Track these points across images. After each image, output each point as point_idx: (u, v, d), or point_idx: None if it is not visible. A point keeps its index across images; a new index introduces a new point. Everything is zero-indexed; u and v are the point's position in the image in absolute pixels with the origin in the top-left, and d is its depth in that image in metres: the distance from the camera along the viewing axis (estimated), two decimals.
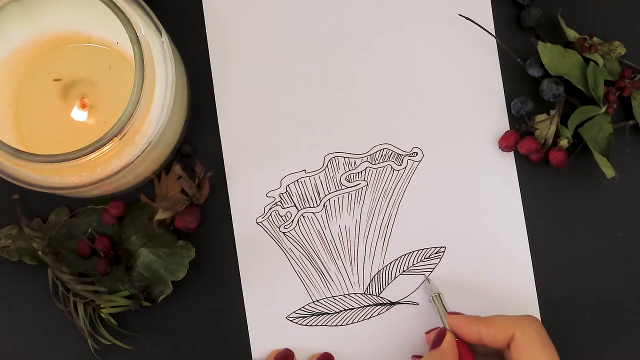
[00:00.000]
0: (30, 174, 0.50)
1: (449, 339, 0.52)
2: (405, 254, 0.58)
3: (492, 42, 0.59)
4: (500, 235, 0.58)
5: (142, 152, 0.50)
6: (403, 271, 0.58)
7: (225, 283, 0.58)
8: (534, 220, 0.59)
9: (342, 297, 0.58)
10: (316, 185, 0.58)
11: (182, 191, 0.57)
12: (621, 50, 0.58)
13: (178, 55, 0.55)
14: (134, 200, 0.58)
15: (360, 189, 0.58)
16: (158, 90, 0.50)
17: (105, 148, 0.48)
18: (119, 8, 0.49)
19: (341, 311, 0.58)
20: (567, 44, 0.58)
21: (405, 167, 0.59)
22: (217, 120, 0.58)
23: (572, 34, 0.58)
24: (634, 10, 0.60)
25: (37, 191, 0.51)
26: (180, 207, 0.56)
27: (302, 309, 0.58)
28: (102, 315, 0.56)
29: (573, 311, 0.58)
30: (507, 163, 0.59)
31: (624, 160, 0.59)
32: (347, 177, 0.58)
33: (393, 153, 0.58)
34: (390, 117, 0.59)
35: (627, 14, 0.60)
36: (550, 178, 0.59)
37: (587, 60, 0.57)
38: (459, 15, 0.58)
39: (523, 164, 0.59)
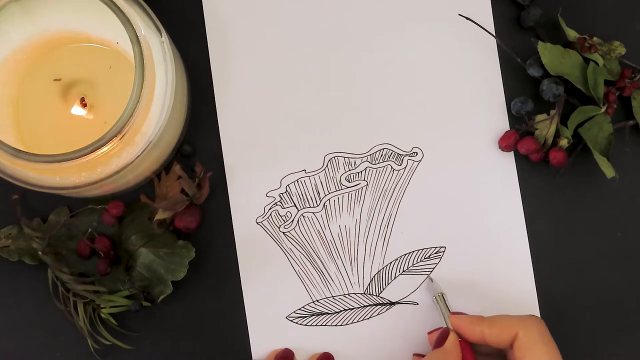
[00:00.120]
0: (30, 174, 0.50)
1: (452, 338, 0.52)
2: (405, 254, 0.58)
3: (492, 42, 0.59)
4: (500, 235, 0.58)
5: (142, 152, 0.50)
6: (403, 271, 0.58)
7: (225, 283, 0.58)
8: (534, 220, 0.59)
9: (342, 297, 0.58)
10: (316, 185, 0.58)
11: (182, 191, 0.57)
12: (621, 50, 0.58)
13: (178, 55, 0.55)
14: (134, 200, 0.58)
15: (360, 189, 0.58)
16: (158, 90, 0.50)
17: (105, 148, 0.48)
18: (119, 8, 0.49)
19: (341, 311, 0.58)
20: (567, 44, 0.58)
21: (405, 167, 0.59)
22: (217, 120, 0.58)
23: (572, 34, 0.58)
24: (634, 10, 0.60)
25: (37, 191, 0.51)
26: (180, 207, 0.56)
27: (302, 309, 0.58)
28: (102, 315, 0.56)
29: (573, 311, 0.58)
30: (507, 163, 0.59)
31: (624, 160, 0.59)
32: (347, 177, 0.58)
33: (393, 153, 0.58)
34: (390, 117, 0.59)
35: (627, 14, 0.60)
36: (550, 178, 0.59)
37: (587, 60, 0.57)
38: (459, 15, 0.58)
39: (523, 164, 0.59)
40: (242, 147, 0.58)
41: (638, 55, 0.59)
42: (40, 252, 0.56)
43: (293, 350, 0.57)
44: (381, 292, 0.58)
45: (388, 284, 0.58)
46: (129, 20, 0.49)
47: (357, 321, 0.58)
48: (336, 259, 0.58)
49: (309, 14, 0.59)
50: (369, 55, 0.59)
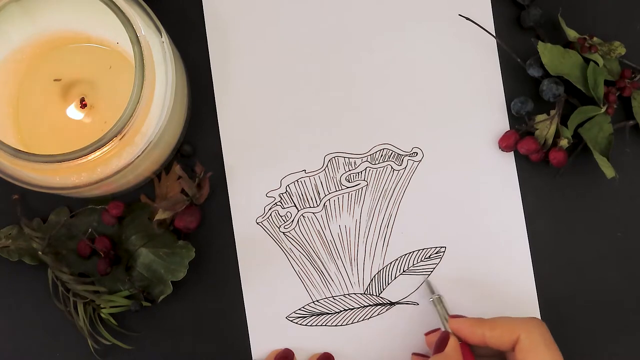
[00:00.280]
0: (30, 174, 0.50)
1: (452, 343, 0.52)
2: (405, 254, 0.58)
3: (492, 42, 0.59)
4: (500, 235, 0.58)
5: (142, 152, 0.50)
6: (403, 271, 0.58)
7: (225, 283, 0.58)
8: (534, 220, 0.59)
9: (342, 297, 0.58)
10: (316, 185, 0.58)
11: (182, 191, 0.57)
12: (621, 50, 0.58)
13: (178, 55, 0.55)
14: (134, 200, 0.58)
15: (360, 189, 0.58)
16: (158, 90, 0.50)
17: (105, 148, 0.48)
18: (119, 8, 0.49)
19: (341, 311, 0.58)
20: (567, 44, 0.58)
21: (405, 167, 0.59)
22: (217, 120, 0.58)
23: (572, 34, 0.58)
24: (634, 10, 0.60)
25: (37, 191, 0.51)
26: (180, 207, 0.56)
27: (302, 309, 0.58)
28: (102, 315, 0.56)
29: (573, 311, 0.58)
30: (507, 163, 0.59)
31: (624, 160, 0.59)
32: (347, 177, 0.58)
33: (393, 153, 0.58)
34: (390, 117, 0.59)
35: (627, 14, 0.60)
36: (550, 178, 0.59)
37: (587, 60, 0.57)
38: (459, 15, 0.58)
39: (523, 164, 0.59)
40: (242, 147, 0.58)
41: (638, 55, 0.59)
42: (40, 252, 0.56)
43: (293, 350, 0.57)
44: (381, 292, 0.58)
45: (388, 284, 0.58)
46: (129, 20, 0.49)
47: (357, 321, 0.58)
48: (336, 259, 0.58)
49: (309, 14, 0.59)
50: (369, 55, 0.59)
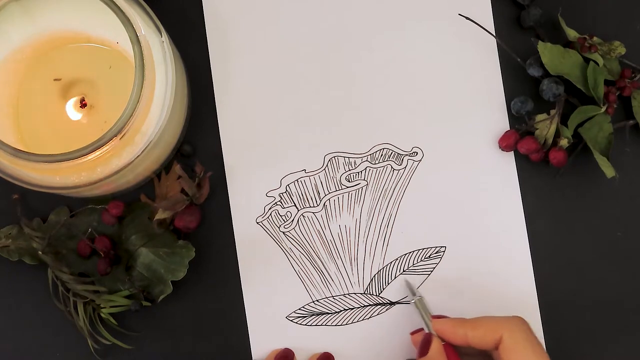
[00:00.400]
0: (30, 174, 0.50)
1: (436, 344, 0.52)
2: (405, 254, 0.58)
3: (492, 42, 0.59)
4: (500, 235, 0.58)
5: (142, 152, 0.50)
6: (403, 271, 0.58)
7: (225, 283, 0.58)
8: (534, 220, 0.59)
9: (342, 297, 0.58)
10: (316, 185, 0.58)
11: (182, 191, 0.57)
12: (621, 50, 0.58)
13: (178, 55, 0.55)
14: (134, 200, 0.58)
15: (360, 189, 0.58)
16: (158, 90, 0.50)
17: (105, 148, 0.48)
18: (119, 8, 0.49)
19: (341, 311, 0.58)
20: (567, 44, 0.58)
21: (405, 167, 0.59)
22: (217, 120, 0.58)
23: (572, 34, 0.58)
24: (634, 10, 0.60)
25: (37, 191, 0.51)
26: (180, 207, 0.56)
27: (302, 308, 0.58)
28: (102, 315, 0.56)
29: (573, 311, 0.58)
30: (507, 163, 0.59)
31: (624, 160, 0.59)
32: (347, 177, 0.58)
33: (393, 153, 0.58)
34: (390, 117, 0.59)
35: (627, 14, 0.60)
36: (550, 178, 0.59)
37: (587, 60, 0.57)
38: (459, 15, 0.58)
39: (523, 164, 0.59)
40: (242, 147, 0.58)
41: (638, 55, 0.59)
42: (40, 252, 0.56)
43: (293, 350, 0.57)
44: (381, 292, 0.58)
45: (388, 284, 0.58)
46: (129, 20, 0.49)
47: (357, 321, 0.58)
48: (336, 259, 0.58)
49: (309, 13, 0.59)
50: (369, 55, 0.59)
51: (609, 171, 0.56)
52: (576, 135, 0.58)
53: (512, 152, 0.59)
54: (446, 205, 0.58)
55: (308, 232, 0.58)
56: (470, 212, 0.58)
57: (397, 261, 0.58)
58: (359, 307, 0.58)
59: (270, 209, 0.58)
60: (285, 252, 0.58)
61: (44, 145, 0.54)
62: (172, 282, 0.56)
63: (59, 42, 0.55)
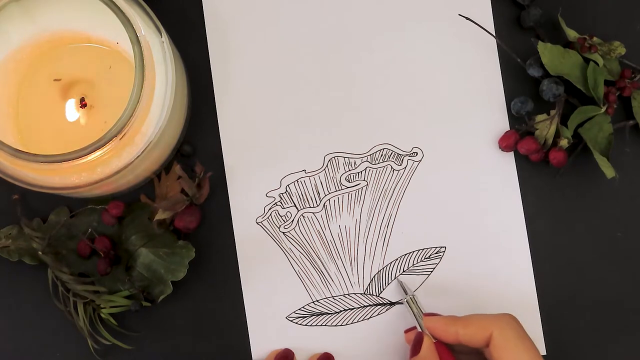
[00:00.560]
0: (30, 174, 0.50)
1: (427, 343, 0.52)
2: (405, 254, 0.58)
3: (492, 42, 0.59)
4: (500, 235, 0.58)
5: (142, 152, 0.50)
6: (403, 271, 0.58)
7: (225, 283, 0.58)
8: (534, 220, 0.59)
9: (342, 297, 0.58)
10: (316, 185, 0.58)
11: (182, 191, 0.57)
12: (621, 50, 0.58)
13: (178, 55, 0.55)
14: (134, 200, 0.58)
15: (360, 189, 0.58)
16: (158, 90, 0.50)
17: (105, 148, 0.48)
18: (119, 8, 0.49)
19: (341, 311, 0.58)
20: (567, 44, 0.58)
21: (405, 167, 0.59)
22: (217, 120, 0.58)
23: (572, 34, 0.58)
24: (634, 10, 0.60)
25: (37, 191, 0.50)
26: (180, 207, 0.56)
27: (302, 309, 0.58)
28: (102, 315, 0.56)
29: (573, 311, 0.58)
30: (507, 163, 0.59)
31: (624, 160, 0.59)
32: (347, 177, 0.58)
33: (393, 153, 0.58)
34: (390, 117, 0.59)
35: (627, 14, 0.60)
36: (550, 178, 0.59)
37: (587, 60, 0.57)
38: (459, 15, 0.58)
39: (523, 164, 0.59)
40: (242, 147, 0.58)
41: (638, 55, 0.59)
42: (40, 252, 0.56)
43: (293, 350, 0.57)
44: (381, 292, 0.58)
45: (388, 284, 0.58)
46: (129, 20, 0.49)
47: (357, 321, 0.58)
48: (336, 259, 0.58)
49: (309, 14, 0.59)
50: (369, 55, 0.59)
51: (609, 171, 0.56)
52: (576, 136, 0.58)
53: (512, 152, 0.59)
54: (446, 206, 0.58)
55: (308, 232, 0.58)
56: (470, 212, 0.58)
57: (397, 261, 0.58)
58: (359, 308, 0.58)
59: (270, 209, 0.58)
60: (285, 252, 0.58)
61: (44, 145, 0.54)
62: (172, 282, 0.56)
63: (59, 42, 0.55)
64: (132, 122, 0.48)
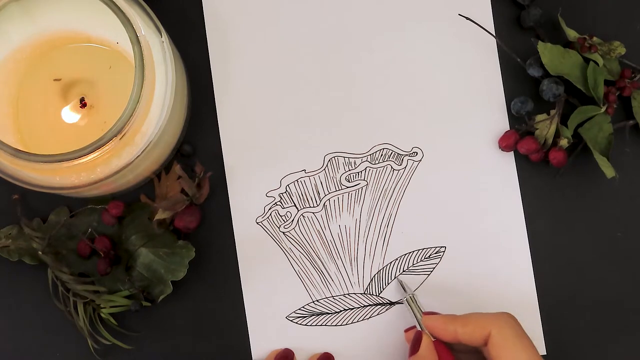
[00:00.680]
0: (30, 174, 0.50)
1: (426, 342, 0.52)
2: (405, 254, 0.58)
3: (492, 42, 0.59)
4: (500, 235, 0.58)
5: (142, 152, 0.50)
6: (403, 271, 0.58)
7: (225, 283, 0.58)
8: (534, 220, 0.59)
9: (342, 297, 0.58)
10: (316, 185, 0.58)
11: (182, 191, 0.57)
12: (621, 50, 0.58)
13: (178, 55, 0.55)
14: (134, 200, 0.58)
15: (360, 189, 0.58)
16: (158, 90, 0.50)
17: (105, 148, 0.48)
18: (119, 8, 0.49)
19: (341, 311, 0.58)
20: (567, 44, 0.58)
21: (405, 167, 0.59)
22: (217, 120, 0.58)
23: (572, 34, 0.58)
24: (634, 10, 0.60)
25: (37, 191, 0.51)
26: (180, 207, 0.56)
27: (302, 308, 0.58)
28: (102, 315, 0.56)
29: (573, 311, 0.58)
30: (507, 163, 0.59)
31: (624, 160, 0.59)
32: (347, 177, 0.58)
33: (393, 153, 0.58)
34: (390, 117, 0.59)
35: (627, 14, 0.60)
36: (550, 178, 0.59)
37: (587, 60, 0.57)
38: (459, 15, 0.58)
39: (523, 164, 0.59)
40: (242, 147, 0.58)
41: (638, 55, 0.59)
42: (40, 252, 0.56)
43: (293, 350, 0.57)
44: (381, 292, 0.58)
45: (388, 284, 0.58)
46: (129, 20, 0.49)
47: (357, 321, 0.58)
48: (336, 259, 0.58)
49: (309, 14, 0.59)
50: (369, 55, 0.59)
51: (609, 171, 0.56)
52: (576, 136, 0.58)
53: (512, 152, 0.59)
54: (446, 205, 0.58)
55: (308, 232, 0.58)
56: (470, 212, 0.58)
57: (397, 261, 0.58)
58: (359, 307, 0.58)
59: (270, 209, 0.58)
60: (285, 252, 0.58)
61: (43, 145, 0.54)
62: (172, 282, 0.56)
63: (59, 42, 0.55)
64: (132, 122, 0.48)
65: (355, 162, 0.58)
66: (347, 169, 0.58)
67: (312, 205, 0.58)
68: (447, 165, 0.59)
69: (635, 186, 0.59)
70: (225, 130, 0.58)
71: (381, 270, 0.58)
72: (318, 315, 0.58)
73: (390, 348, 0.58)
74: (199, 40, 0.59)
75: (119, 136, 0.48)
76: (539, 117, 0.58)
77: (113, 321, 0.56)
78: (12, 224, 0.57)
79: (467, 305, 0.57)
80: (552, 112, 0.57)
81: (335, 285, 0.58)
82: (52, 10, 0.53)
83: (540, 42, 0.57)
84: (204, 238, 0.58)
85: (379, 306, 0.58)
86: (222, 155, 0.58)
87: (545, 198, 0.59)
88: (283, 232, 0.58)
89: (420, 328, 0.53)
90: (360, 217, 0.58)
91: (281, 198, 0.58)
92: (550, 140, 0.57)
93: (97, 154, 0.48)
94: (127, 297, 0.56)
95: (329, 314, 0.58)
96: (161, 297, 0.56)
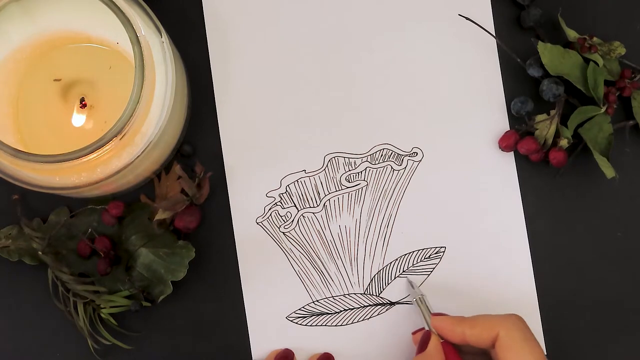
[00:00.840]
0: (30, 174, 0.50)
1: (434, 342, 0.52)
2: (405, 254, 0.58)
3: (492, 42, 0.59)
4: (500, 235, 0.58)
5: (142, 152, 0.50)
6: (403, 271, 0.58)
7: (225, 283, 0.58)
8: (534, 220, 0.59)
9: (342, 297, 0.58)
10: (316, 185, 0.58)
11: (182, 191, 0.57)
12: (621, 50, 0.58)
13: (178, 55, 0.55)
14: (134, 200, 0.58)
15: (360, 189, 0.58)
16: (158, 90, 0.50)
17: (105, 148, 0.48)
18: (119, 8, 0.49)
19: (341, 311, 0.58)
20: (567, 44, 0.58)
21: (405, 167, 0.59)
22: (217, 120, 0.58)
23: (572, 34, 0.58)
24: (634, 10, 0.60)
25: (37, 191, 0.51)
26: (180, 207, 0.56)
27: (302, 309, 0.58)
28: (102, 315, 0.56)
29: (573, 311, 0.58)
30: (507, 163, 0.59)
31: (624, 160, 0.59)
32: (347, 177, 0.58)
33: (393, 153, 0.58)
34: (390, 117, 0.59)
35: (627, 14, 0.60)
36: (550, 178, 0.59)
37: (587, 60, 0.57)
38: (459, 15, 0.58)
39: (523, 164, 0.59)
40: (242, 147, 0.58)
41: (638, 55, 0.59)
42: (40, 252, 0.56)
43: (293, 350, 0.57)
44: (381, 292, 0.58)
45: (388, 284, 0.58)
46: (129, 20, 0.49)
47: (357, 321, 0.58)
48: (336, 259, 0.58)
49: (309, 14, 0.59)
50: (369, 55, 0.59)
51: (609, 171, 0.56)
52: (576, 136, 0.58)
53: (512, 152, 0.59)
54: (446, 206, 0.58)
55: (308, 232, 0.58)
56: (470, 212, 0.58)
57: (397, 261, 0.58)
58: (359, 308, 0.58)
59: (270, 209, 0.58)
60: (285, 252, 0.58)
61: (44, 145, 0.54)
62: (172, 282, 0.56)
63: (59, 42, 0.55)
64: (132, 122, 0.48)
65: (355, 163, 0.58)
66: (347, 169, 0.58)
67: (312, 206, 0.58)
68: (447, 165, 0.59)
69: (635, 186, 0.59)
70: (225, 130, 0.58)
71: (381, 271, 0.58)
72: (318, 315, 0.58)
73: (390, 348, 0.58)
74: (199, 40, 0.59)
75: (119, 136, 0.48)
76: (539, 117, 0.58)
77: (113, 321, 0.56)
78: (12, 224, 0.57)
79: (467, 306, 0.57)
80: (552, 112, 0.57)
81: (335, 285, 0.58)
82: (52, 10, 0.53)
83: (540, 42, 0.57)
84: (204, 238, 0.58)
85: (379, 306, 0.58)
86: (222, 155, 0.58)
87: (545, 198, 0.59)
88: (283, 232, 0.58)
89: (429, 329, 0.53)
90: (360, 217, 0.58)
91: (281, 198, 0.58)
92: (550, 141, 0.57)
93: (97, 154, 0.48)
94: (127, 297, 0.56)
95: (329, 314, 0.58)
96: (161, 297, 0.56)
